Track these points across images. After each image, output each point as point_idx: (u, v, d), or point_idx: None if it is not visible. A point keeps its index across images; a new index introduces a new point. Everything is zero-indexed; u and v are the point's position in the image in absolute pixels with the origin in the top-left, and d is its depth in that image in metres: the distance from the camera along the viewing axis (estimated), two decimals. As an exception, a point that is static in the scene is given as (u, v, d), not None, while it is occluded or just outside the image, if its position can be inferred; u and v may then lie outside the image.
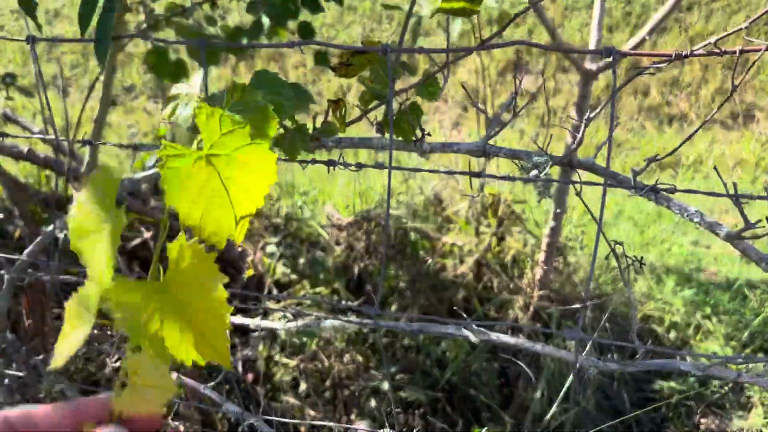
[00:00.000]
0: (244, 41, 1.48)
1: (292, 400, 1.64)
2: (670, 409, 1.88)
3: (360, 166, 0.66)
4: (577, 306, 0.78)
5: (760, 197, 0.60)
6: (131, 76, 6.14)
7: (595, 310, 2.08)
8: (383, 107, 0.68)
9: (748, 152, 3.89)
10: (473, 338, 0.75)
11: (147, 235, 2.35)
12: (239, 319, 1.06)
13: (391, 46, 0.55)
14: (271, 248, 2.09)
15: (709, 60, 4.96)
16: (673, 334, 2.10)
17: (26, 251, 0.92)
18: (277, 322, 0.85)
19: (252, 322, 0.95)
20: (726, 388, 1.91)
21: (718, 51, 0.57)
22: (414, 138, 0.68)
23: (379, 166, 0.68)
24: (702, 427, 1.86)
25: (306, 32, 1.46)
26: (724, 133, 4.32)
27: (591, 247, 2.69)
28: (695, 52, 0.57)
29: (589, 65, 1.57)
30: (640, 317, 2.13)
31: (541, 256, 1.88)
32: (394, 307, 1.98)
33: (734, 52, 0.57)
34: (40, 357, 1.05)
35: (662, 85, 4.82)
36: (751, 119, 4.49)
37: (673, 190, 0.60)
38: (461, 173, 0.68)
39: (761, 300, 2.27)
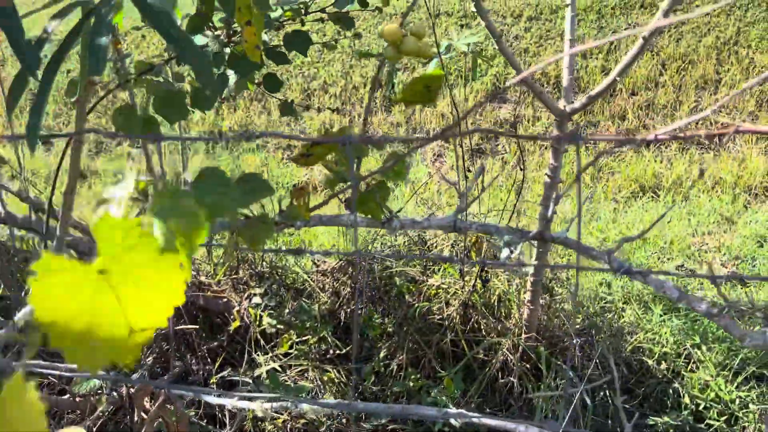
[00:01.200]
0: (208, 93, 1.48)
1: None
2: (666, 444, 1.86)
3: (327, 253, 0.65)
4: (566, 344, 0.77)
5: (735, 277, 0.60)
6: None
7: (585, 345, 2.07)
8: (352, 193, 0.67)
9: (726, 172, 3.93)
10: (455, 423, 0.74)
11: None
12: (216, 400, 1.03)
13: (352, 137, 0.55)
14: (256, 299, 2.07)
15: (683, 81, 5.05)
16: (663, 365, 2.09)
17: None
18: (254, 403, 0.83)
19: (230, 402, 0.93)
20: (721, 420, 1.90)
21: (682, 136, 0.57)
22: (383, 217, 0.68)
23: (350, 254, 0.68)
24: (698, 459, 1.84)
25: (271, 84, 1.46)
26: (701, 153, 4.38)
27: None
28: (659, 137, 0.58)
29: (563, 106, 1.59)
30: (630, 349, 2.13)
31: (526, 296, 1.87)
32: (382, 353, 1.96)
33: (699, 136, 0.57)
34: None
35: (638, 108, 4.89)
36: (728, 138, 4.55)
37: (648, 273, 0.59)
38: (440, 258, 0.68)
39: (750, 325, 2.27)
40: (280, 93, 5.87)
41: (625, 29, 5.51)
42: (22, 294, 2.21)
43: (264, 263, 2.45)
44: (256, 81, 1.51)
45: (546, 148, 4.66)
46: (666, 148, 4.64)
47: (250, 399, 0.79)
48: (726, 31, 5.38)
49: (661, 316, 2.33)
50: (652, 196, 3.95)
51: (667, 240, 3.08)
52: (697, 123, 4.60)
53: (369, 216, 0.69)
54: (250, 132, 0.59)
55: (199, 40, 1.36)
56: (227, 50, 1.32)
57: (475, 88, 5.33)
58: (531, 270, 1.80)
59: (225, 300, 2.28)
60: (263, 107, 5.60)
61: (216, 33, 1.15)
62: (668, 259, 2.90)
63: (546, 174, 1.65)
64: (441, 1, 6.23)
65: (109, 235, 0.37)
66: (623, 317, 2.34)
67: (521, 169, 1.67)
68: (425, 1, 1.90)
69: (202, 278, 2.42)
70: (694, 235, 3.17)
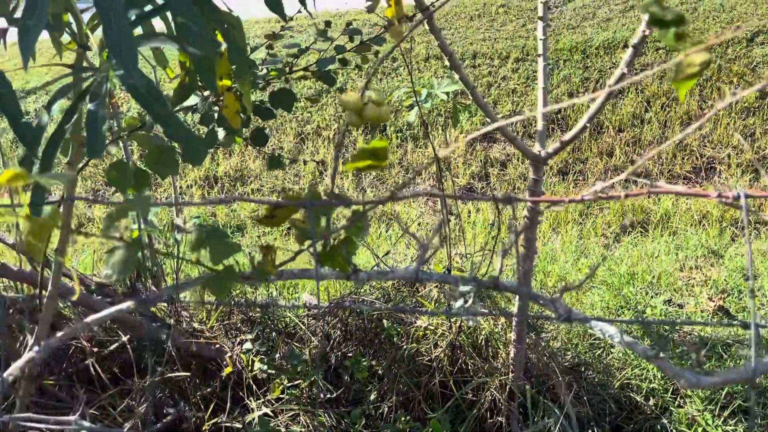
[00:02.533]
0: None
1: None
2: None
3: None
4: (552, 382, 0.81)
5: (666, 322, 0.64)
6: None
7: (573, 382, 2.09)
8: (323, 247, 0.72)
9: (712, 206, 3.99)
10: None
11: (124, 338, 2.34)
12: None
13: (312, 200, 0.61)
14: (247, 345, 2.10)
15: (667, 117, 5.16)
16: (651, 401, 2.11)
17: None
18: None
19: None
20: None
21: (604, 196, 0.63)
22: (349, 269, 0.73)
23: (314, 306, 0.72)
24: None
25: (259, 139, 1.52)
26: (688, 187, 4.45)
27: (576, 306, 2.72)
28: (584, 198, 0.63)
29: (537, 151, 1.66)
30: (618, 386, 2.15)
31: (512, 335, 1.90)
32: (372, 396, 1.98)
33: (618, 197, 0.63)
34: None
35: (625, 144, 4.99)
36: (713, 172, 4.63)
37: (588, 319, 0.64)
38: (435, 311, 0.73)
39: (736, 359, 2.30)
40: (273, 137, 5.97)
41: (609, 68, 5.66)
42: (17, 345, 2.24)
43: (256, 308, 2.49)
44: (244, 136, 1.58)
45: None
46: (653, 181, 4.71)
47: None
48: (708, 69, 5.52)
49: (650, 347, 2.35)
50: (641, 231, 4.00)
51: (654, 274, 3.12)
52: (624, 182, 4.69)
53: (336, 269, 0.74)
54: (224, 198, 0.65)
55: (189, 100, 1.43)
56: (216, 108, 1.39)
57: (465, 129, 5.44)
58: (515, 308, 1.84)
59: (217, 346, 2.31)
60: (258, 152, 5.69)
61: (205, 94, 1.21)
62: (656, 293, 2.93)
63: (525, 217, 1.71)
64: (431, 45, 6.39)
65: None
66: (611, 353, 2.36)
67: (498, 213, 1.73)
68: (402, 54, 1.98)
69: (195, 324, 2.45)
70: (682, 269, 3.21)
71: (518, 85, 5.75)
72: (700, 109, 5.11)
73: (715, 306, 2.77)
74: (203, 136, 1.66)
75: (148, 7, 0.71)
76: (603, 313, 2.80)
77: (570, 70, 5.71)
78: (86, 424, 1.10)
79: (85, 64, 0.92)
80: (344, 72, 6.16)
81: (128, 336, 2.36)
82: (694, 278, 3.10)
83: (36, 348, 0.88)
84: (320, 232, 0.73)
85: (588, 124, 1.54)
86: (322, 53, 1.40)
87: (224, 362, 2.25)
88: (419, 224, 4.29)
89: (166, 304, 2.67)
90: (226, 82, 0.96)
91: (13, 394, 1.66)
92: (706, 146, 4.84)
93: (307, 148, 5.66)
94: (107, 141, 1.18)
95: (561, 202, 0.65)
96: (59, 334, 0.89)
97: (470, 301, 0.65)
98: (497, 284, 0.70)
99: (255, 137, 1.45)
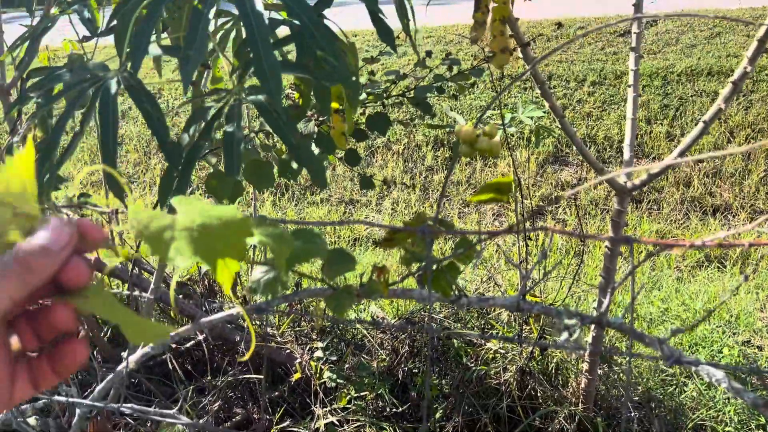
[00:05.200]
0: (294, 166, 1.61)
1: None
2: None
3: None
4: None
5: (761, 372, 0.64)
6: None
7: (644, 419, 2.04)
8: (425, 271, 0.76)
9: (798, 245, 3.80)
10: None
11: (200, 337, 2.44)
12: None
13: (430, 228, 0.64)
14: (318, 353, 2.15)
15: (752, 150, 4.97)
16: (727, 445, 2.04)
17: (97, 389, 1.01)
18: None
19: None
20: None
21: (727, 243, 0.63)
22: (452, 294, 0.76)
23: (410, 322, 0.75)
24: None
25: (352, 159, 1.57)
26: (772, 224, 4.26)
27: (636, 348, 2.66)
28: (707, 243, 0.64)
29: (623, 181, 1.64)
30: (691, 426, 2.08)
31: (584, 365, 1.88)
32: (438, 414, 1.99)
33: (743, 245, 0.63)
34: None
35: (704, 176, 4.83)
36: (800, 210, 4.42)
37: (697, 362, 0.65)
38: (502, 337, 0.75)
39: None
40: (346, 169, 6.10)
41: (690, 96, 5.50)
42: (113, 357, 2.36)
43: (326, 319, 2.55)
44: (338, 156, 1.64)
45: (608, 212, 4.64)
46: (734, 217, 4.55)
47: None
48: None
49: (725, 393, 2.28)
50: (719, 267, 3.86)
51: (732, 313, 3.01)
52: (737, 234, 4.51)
53: (439, 293, 0.77)
54: (344, 220, 0.69)
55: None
56: (315, 129, 1.45)
57: (536, 151, 5.39)
58: (589, 339, 1.82)
59: (288, 352, 2.38)
60: (327, 163, 5.80)
61: (308, 116, 1.28)
62: (734, 333, 2.82)
63: (606, 246, 1.70)
64: (512, 68, 6.37)
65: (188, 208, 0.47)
66: (684, 392, 2.29)
67: (581, 241, 1.72)
68: (490, 73, 2.00)
69: (268, 329, 2.53)
70: (762, 310, 3.08)
71: (594, 108, 5.66)
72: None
73: (797, 351, 2.64)
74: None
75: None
76: (678, 346, 2.72)
77: (649, 96, 5.58)
78: (184, 419, 1.17)
79: (209, 84, 0.99)
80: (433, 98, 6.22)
81: (204, 335, 2.46)
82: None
83: (149, 347, 0.95)
84: (424, 257, 0.77)
85: (679, 158, 1.52)
86: (419, 80, 1.44)
87: (293, 368, 2.31)
88: (496, 248, 4.27)
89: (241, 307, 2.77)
90: (335, 105, 1.01)
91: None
92: (792, 182, 4.62)
93: (376, 161, 5.74)
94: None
95: (681, 246, 0.66)
96: (180, 329, 0.95)
97: (575, 335, 0.67)
98: (601, 320, 0.71)
99: (348, 157, 1.51)
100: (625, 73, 5.76)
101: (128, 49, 0.83)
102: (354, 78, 0.89)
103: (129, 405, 1.02)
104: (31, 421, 1.12)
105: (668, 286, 3.50)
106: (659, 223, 4.55)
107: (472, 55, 7.10)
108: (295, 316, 2.55)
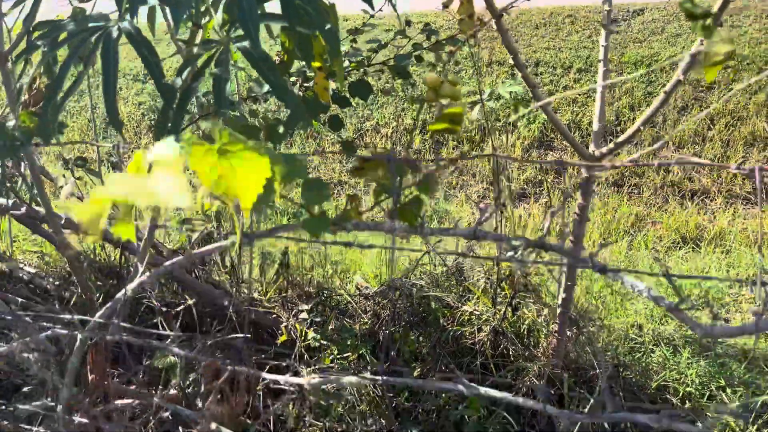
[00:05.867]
0: (281, 130, 1.70)
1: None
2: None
3: (370, 246, 0.83)
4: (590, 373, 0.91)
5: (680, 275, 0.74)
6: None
7: (610, 379, 2.16)
8: (393, 203, 0.85)
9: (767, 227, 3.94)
10: (465, 391, 0.89)
11: (190, 302, 2.53)
12: (270, 375, 1.21)
13: (395, 157, 0.74)
14: (303, 315, 2.25)
15: (731, 136, 5.10)
16: (687, 405, 2.16)
17: (98, 314, 1.10)
18: (303, 378, 1.00)
19: (281, 378, 1.11)
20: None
21: (642, 162, 0.73)
22: (417, 224, 0.86)
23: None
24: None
25: (335, 124, 1.66)
26: (746, 208, 4.40)
27: (608, 319, 2.78)
28: (624, 163, 0.74)
29: (592, 150, 1.75)
30: (655, 387, 2.21)
31: (554, 326, 2.00)
32: (416, 372, 2.10)
33: (652, 164, 0.73)
34: (100, 409, 1.21)
35: (684, 161, 4.95)
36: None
37: (618, 271, 0.75)
38: (452, 253, 0.85)
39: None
40: (333, 135, 6.18)
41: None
42: (96, 296, 2.45)
43: (311, 285, 2.65)
44: (322, 121, 1.73)
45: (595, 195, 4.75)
46: (711, 201, 4.68)
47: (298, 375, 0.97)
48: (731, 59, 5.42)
49: (688, 358, 2.41)
50: (693, 248, 3.99)
51: (703, 288, 3.14)
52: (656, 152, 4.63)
53: (406, 223, 0.87)
54: (322, 150, 0.78)
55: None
56: (300, 94, 1.54)
57: (522, 135, 5.49)
58: (559, 301, 1.93)
59: (274, 316, 2.48)
60: (318, 145, 5.89)
61: (292, 80, 1.36)
62: (703, 306, 2.95)
63: (575, 213, 1.80)
64: (494, 51, 6.47)
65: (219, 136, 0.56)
66: (651, 358, 2.42)
67: (549, 197, 1.82)
68: (472, 54, 2.10)
69: (255, 294, 2.62)
70: (731, 287, 3.21)
71: (580, 95, 5.77)
72: (765, 130, 5.03)
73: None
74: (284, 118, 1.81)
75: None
76: (646, 320, 2.85)
77: (633, 84, 5.69)
78: (178, 350, 1.27)
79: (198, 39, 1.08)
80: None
81: (194, 300, 2.55)
82: (743, 295, 3.10)
83: (147, 273, 1.05)
84: (385, 192, 0.86)
85: (642, 127, 1.62)
86: (399, 49, 1.53)
87: (279, 331, 2.41)
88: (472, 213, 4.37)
89: (228, 276, 2.86)
90: (318, 63, 1.10)
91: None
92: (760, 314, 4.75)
93: (365, 144, 5.82)
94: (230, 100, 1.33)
95: (616, 167, 0.76)
96: (166, 263, 1.05)
97: (519, 252, 0.77)
98: (544, 244, 0.81)
99: (332, 122, 1.59)
100: (611, 61, 5.87)
101: (127, 5, 0.92)
102: (335, 34, 0.98)
103: (128, 330, 1.12)
104: (31, 357, 1.21)
105: (643, 265, 3.63)
106: (639, 206, 4.68)
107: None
108: (281, 283, 2.65)
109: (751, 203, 4.65)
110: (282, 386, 2.13)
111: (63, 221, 2.34)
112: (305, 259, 2.98)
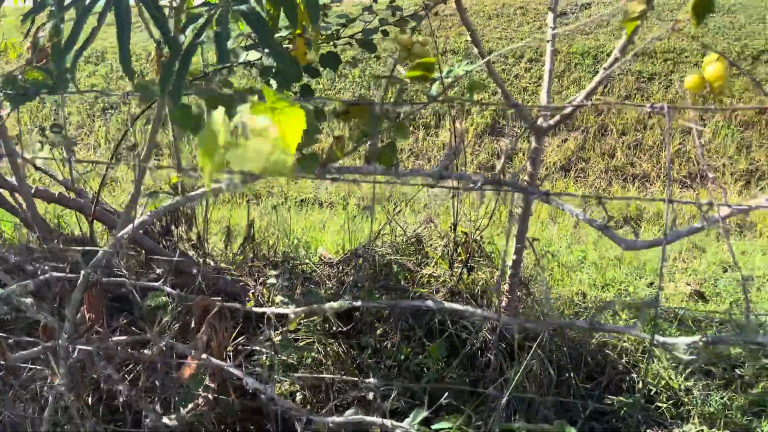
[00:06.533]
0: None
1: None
2: (620, 421, 2.14)
3: (356, 170, 0.97)
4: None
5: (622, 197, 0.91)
6: (134, 136, 6.51)
7: (555, 337, 2.36)
8: (368, 148, 0.99)
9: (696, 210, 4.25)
10: (432, 305, 1.04)
11: (158, 271, 2.61)
12: (259, 309, 1.34)
13: (376, 102, 0.87)
14: (272, 280, 2.37)
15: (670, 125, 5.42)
16: (624, 359, 2.38)
17: (100, 252, 1.20)
18: (289, 309, 1.13)
19: (267, 310, 1.23)
20: (669, 403, 2.18)
21: (575, 105, 0.89)
22: (392, 163, 1.00)
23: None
24: (649, 438, 2.12)
25: (306, 92, 1.78)
26: (682, 191, 4.72)
27: (557, 284, 3.00)
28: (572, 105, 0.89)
29: (539, 122, 1.92)
30: (595, 344, 2.42)
31: (505, 287, 2.18)
32: (379, 331, 2.25)
33: (585, 105, 0.89)
34: (96, 345, 1.31)
35: (626, 147, 5.24)
36: (707, 179, 4.89)
37: (560, 194, 0.91)
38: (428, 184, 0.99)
39: (704, 330, 2.57)
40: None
41: (618, 75, 5.91)
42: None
43: (276, 255, 2.76)
44: (294, 91, 1.84)
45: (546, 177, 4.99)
46: (651, 185, 4.99)
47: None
48: (645, 17, 5.80)
49: (626, 320, 2.63)
50: (633, 226, 4.27)
51: (641, 261, 3.39)
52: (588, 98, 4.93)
53: (382, 165, 1.01)
54: (298, 98, 0.91)
55: (252, 55, 1.70)
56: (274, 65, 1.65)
57: (475, 121, 5.70)
58: (509, 262, 2.11)
59: (242, 284, 2.59)
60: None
61: (266, 51, 1.48)
62: (640, 277, 3.20)
63: (524, 179, 1.98)
64: (448, 41, 6.65)
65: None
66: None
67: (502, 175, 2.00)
68: (434, 40, 2.25)
69: (222, 265, 2.72)
70: (665, 260, 3.48)
71: (530, 84, 6.01)
72: (701, 118, 5.37)
73: (692, 290, 3.04)
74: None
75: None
76: (590, 288, 3.08)
77: (581, 74, 5.96)
78: (170, 289, 1.38)
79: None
80: (366, 59, 6.40)
81: (161, 270, 2.64)
82: (677, 266, 3.37)
83: (146, 215, 1.16)
84: (365, 136, 1.00)
85: (585, 101, 1.81)
86: (366, 24, 1.67)
87: (247, 298, 2.52)
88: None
89: (194, 248, 2.95)
90: (299, 31, 1.22)
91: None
92: (703, 155, 5.09)
93: (324, 127, 5.92)
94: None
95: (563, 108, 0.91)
96: (153, 211, 1.16)
97: (479, 185, 0.92)
98: (499, 180, 0.97)
99: (303, 90, 1.72)
100: (559, 52, 6.13)
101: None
102: (316, 3, 1.11)
103: (115, 280, 1.22)
104: (28, 300, 1.29)
105: (587, 241, 3.87)
106: (585, 189, 4.95)
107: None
108: (248, 254, 2.76)
109: (687, 186, 4.98)
110: (254, 347, 2.25)
111: (33, 191, 2.39)
112: (270, 233, 3.10)
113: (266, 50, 0.99)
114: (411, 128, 5.87)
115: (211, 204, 2.94)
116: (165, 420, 1.41)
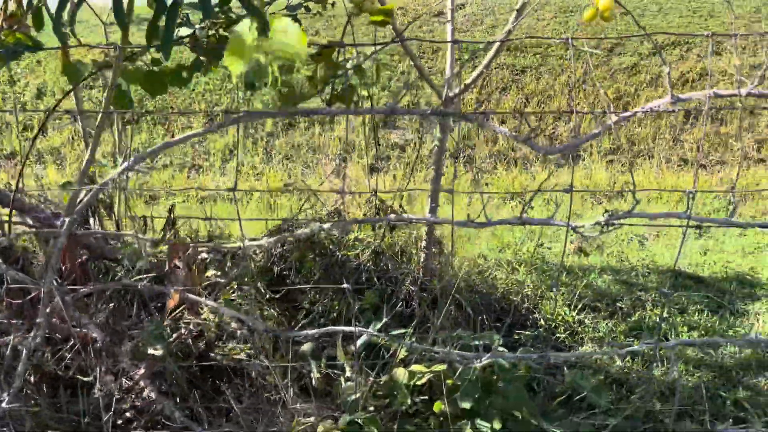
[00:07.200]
0: (184, 75, 1.94)
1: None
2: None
3: (323, 111, 1.16)
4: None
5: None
6: (10, 143, 6.25)
7: (466, 291, 2.65)
8: (331, 91, 1.19)
9: (576, 182, 4.78)
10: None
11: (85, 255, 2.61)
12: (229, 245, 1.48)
13: (345, 43, 1.07)
14: (203, 255, 2.47)
15: (542, 111, 5.99)
16: (526, 303, 2.72)
17: (77, 208, 1.29)
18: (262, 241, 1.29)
19: (225, 245, 1.38)
20: (566, 334, 2.53)
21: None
22: (352, 105, 1.20)
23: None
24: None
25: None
26: (558, 168, 5.26)
27: (467, 247, 3.31)
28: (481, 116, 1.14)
29: (446, 93, 2.19)
30: (501, 293, 2.74)
31: (423, 244, 2.43)
32: (311, 294, 2.42)
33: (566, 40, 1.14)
34: (72, 296, 1.38)
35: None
36: (578, 158, 5.48)
37: (488, 114, 1.15)
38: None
39: (587, 275, 2.98)
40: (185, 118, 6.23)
41: (495, 68, 6.42)
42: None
43: (200, 237, 2.85)
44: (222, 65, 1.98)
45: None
46: (531, 165, 5.50)
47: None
48: (577, 72, 6.45)
49: (524, 274, 2.99)
50: (520, 202, 4.71)
51: (530, 229, 3.79)
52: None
53: (343, 105, 1.21)
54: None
55: (184, 31, 1.83)
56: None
57: (368, 117, 5.97)
58: (427, 215, 2.36)
59: (172, 266, 2.65)
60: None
61: (201, 26, 1.62)
62: (531, 240, 3.59)
63: (435, 144, 2.24)
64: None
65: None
66: (496, 276, 2.96)
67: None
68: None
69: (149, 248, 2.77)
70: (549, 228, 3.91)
71: (432, 74, 6.38)
72: (569, 106, 5.98)
73: (575, 247, 3.46)
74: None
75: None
76: (489, 252, 3.42)
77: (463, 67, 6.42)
78: (147, 237, 1.48)
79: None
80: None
81: (85, 256, 2.65)
82: (563, 229, 3.81)
83: (128, 161, 1.28)
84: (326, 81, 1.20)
85: (485, 70, 2.10)
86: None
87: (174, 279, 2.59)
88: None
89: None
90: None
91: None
92: (576, 137, 5.69)
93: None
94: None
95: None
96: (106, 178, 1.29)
97: (428, 112, 1.14)
98: (442, 112, 1.20)
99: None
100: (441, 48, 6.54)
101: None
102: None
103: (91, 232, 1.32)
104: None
105: (480, 218, 4.23)
106: (473, 172, 5.36)
107: None
108: (170, 237, 2.82)
109: (561, 166, 5.53)
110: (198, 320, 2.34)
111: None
112: (188, 222, 3.16)
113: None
114: (306, 125, 6.06)
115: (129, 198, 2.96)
116: (150, 350, 1.51)
